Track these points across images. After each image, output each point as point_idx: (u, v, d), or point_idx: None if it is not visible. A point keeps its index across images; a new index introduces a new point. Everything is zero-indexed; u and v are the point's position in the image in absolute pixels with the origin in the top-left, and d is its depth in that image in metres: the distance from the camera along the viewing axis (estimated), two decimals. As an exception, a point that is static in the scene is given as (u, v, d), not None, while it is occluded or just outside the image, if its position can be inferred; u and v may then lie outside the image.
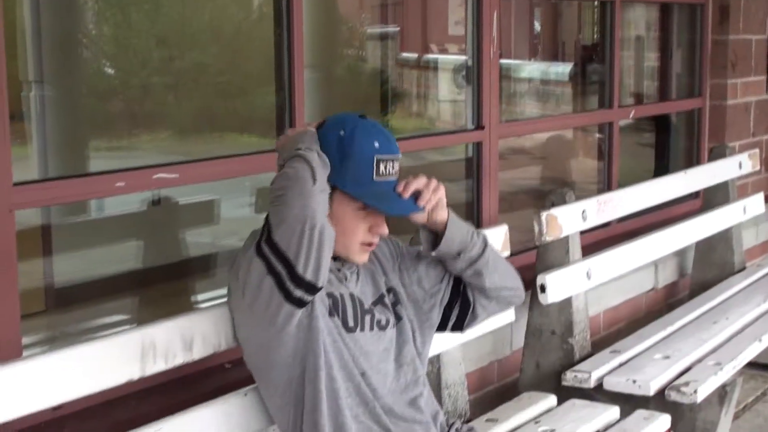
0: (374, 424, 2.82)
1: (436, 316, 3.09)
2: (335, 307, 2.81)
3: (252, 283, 2.69)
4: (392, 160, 2.82)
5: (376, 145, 2.79)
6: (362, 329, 2.85)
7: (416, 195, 2.87)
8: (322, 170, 2.68)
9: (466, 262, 3.01)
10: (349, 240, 2.83)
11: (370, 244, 2.88)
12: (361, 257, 2.89)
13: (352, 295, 2.88)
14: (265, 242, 2.65)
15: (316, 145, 2.75)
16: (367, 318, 2.88)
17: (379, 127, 2.89)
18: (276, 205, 2.64)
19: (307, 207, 2.58)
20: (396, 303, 3.01)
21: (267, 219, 2.70)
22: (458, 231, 2.98)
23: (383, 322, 2.93)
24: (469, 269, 3.02)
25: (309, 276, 2.62)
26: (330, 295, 2.82)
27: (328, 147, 2.77)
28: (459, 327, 3.16)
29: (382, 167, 2.79)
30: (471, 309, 3.11)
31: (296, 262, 2.60)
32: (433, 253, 2.99)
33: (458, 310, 3.11)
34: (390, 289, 3.03)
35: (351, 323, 2.84)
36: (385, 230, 2.87)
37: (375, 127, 2.86)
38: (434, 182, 2.90)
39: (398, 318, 2.99)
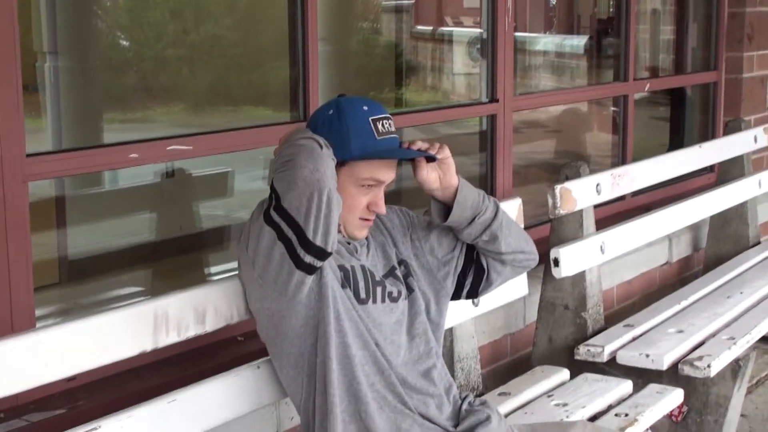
0: (389, 393, 2.83)
1: (450, 285, 3.09)
2: (347, 279, 2.82)
3: (262, 252, 2.70)
4: (386, 119, 2.85)
5: (365, 108, 2.84)
6: (374, 301, 2.86)
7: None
8: (327, 143, 2.72)
9: (480, 227, 3.01)
10: (350, 215, 2.84)
11: (367, 220, 2.90)
12: (360, 232, 2.91)
13: (363, 267, 2.89)
14: (274, 209, 2.66)
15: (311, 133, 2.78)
16: (379, 290, 2.88)
17: (361, 97, 2.95)
18: (284, 170, 2.66)
19: (317, 170, 2.61)
20: (407, 275, 3.01)
21: (273, 188, 2.70)
22: (470, 194, 2.99)
23: (395, 293, 2.93)
24: (483, 234, 3.02)
25: (319, 241, 2.63)
26: (341, 267, 2.83)
27: (323, 129, 2.81)
28: (473, 294, 3.17)
29: (380, 126, 2.82)
30: (485, 275, 3.12)
31: (306, 227, 2.61)
32: (447, 222, 2.99)
33: (472, 278, 3.12)
34: (401, 261, 3.03)
35: (363, 295, 2.84)
36: (383, 209, 2.89)
37: (356, 97, 2.92)
38: (437, 143, 2.94)
39: (410, 290, 2.99)
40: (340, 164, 2.78)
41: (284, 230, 2.63)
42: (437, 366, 2.98)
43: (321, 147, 2.68)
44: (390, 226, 3.08)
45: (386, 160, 2.85)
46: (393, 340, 2.89)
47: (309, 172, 2.60)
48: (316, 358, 2.77)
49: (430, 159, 2.93)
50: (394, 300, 2.92)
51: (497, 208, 3.06)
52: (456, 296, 3.13)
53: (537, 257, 3.25)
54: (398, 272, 2.99)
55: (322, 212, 2.61)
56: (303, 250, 2.63)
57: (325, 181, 2.61)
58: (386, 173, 2.86)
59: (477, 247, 3.08)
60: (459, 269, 3.09)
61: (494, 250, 3.07)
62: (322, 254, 2.66)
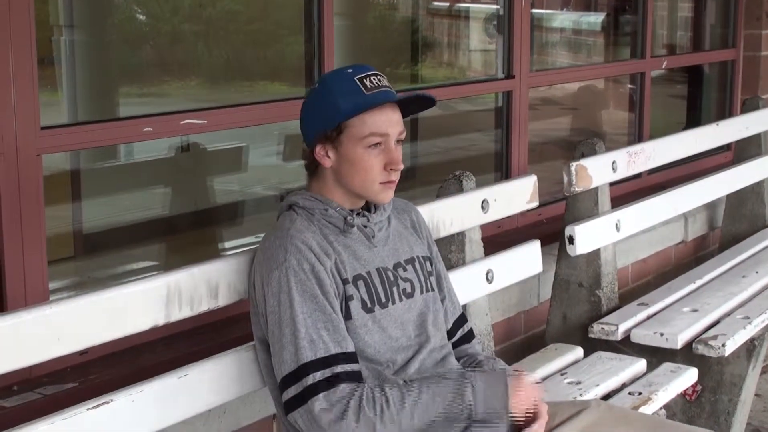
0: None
1: None
2: (366, 287, 2.78)
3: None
4: (374, 75, 2.80)
5: (350, 71, 2.81)
6: (393, 302, 2.82)
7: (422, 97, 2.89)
8: None
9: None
10: (367, 180, 2.78)
11: (389, 182, 2.82)
12: (385, 195, 2.83)
13: (378, 270, 2.83)
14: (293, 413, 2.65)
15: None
16: (395, 290, 2.84)
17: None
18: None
19: None
20: (431, 274, 2.99)
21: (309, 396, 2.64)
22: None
23: (408, 289, 2.88)
24: None
25: None
26: (359, 276, 2.78)
27: (311, 106, 2.82)
28: None
29: (367, 82, 2.77)
30: None
31: None
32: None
33: None
34: (428, 259, 3.00)
35: (383, 299, 2.80)
36: (400, 164, 2.81)
37: (342, 67, 2.90)
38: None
39: (431, 288, 2.96)
40: (338, 132, 2.75)
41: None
42: (451, 355, 2.97)
43: None
44: (423, 226, 3.07)
45: (384, 113, 2.78)
46: (419, 333, 2.86)
47: None
48: None
49: (430, 103, 2.90)
50: (410, 296, 2.88)
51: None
52: None
53: None
54: (417, 265, 2.94)
55: None
56: None
57: None
58: (386, 125, 2.78)
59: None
60: None
61: None
62: None
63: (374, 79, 2.78)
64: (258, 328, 2.81)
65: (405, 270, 2.90)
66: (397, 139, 2.81)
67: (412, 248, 2.96)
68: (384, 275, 2.84)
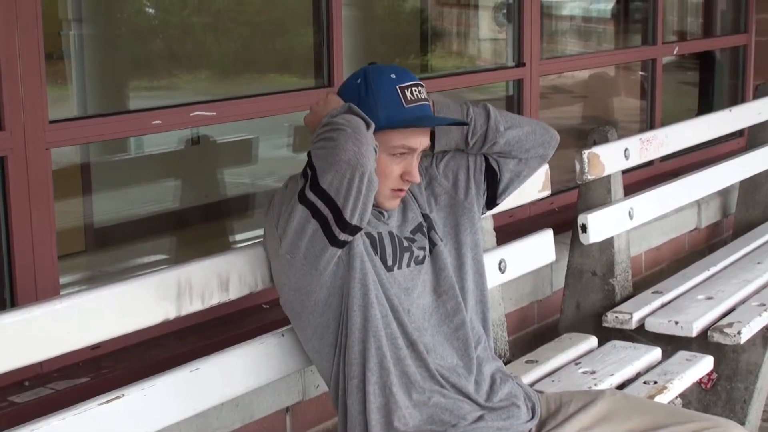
0: (416, 366, 2.78)
1: (476, 198, 3.08)
2: (374, 246, 2.78)
3: (293, 229, 2.66)
4: (415, 86, 2.82)
5: (393, 76, 2.80)
6: (399, 267, 2.82)
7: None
8: (370, 121, 2.66)
9: (478, 141, 3.02)
10: (382, 185, 2.77)
11: (400, 190, 2.86)
12: (391, 203, 2.88)
13: (390, 234, 2.85)
14: (310, 189, 2.62)
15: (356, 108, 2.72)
16: (406, 256, 2.85)
17: (390, 64, 2.90)
18: (324, 148, 2.59)
19: (359, 154, 2.55)
20: (430, 228, 2.97)
21: (309, 166, 2.65)
22: (452, 116, 2.97)
23: (420, 257, 2.89)
24: (484, 146, 3.03)
25: (356, 220, 2.62)
26: (368, 234, 2.79)
27: (351, 99, 2.77)
28: (492, 201, 3.17)
29: (408, 94, 2.78)
30: (498, 177, 3.11)
31: (344, 207, 2.59)
32: (435, 150, 3.01)
33: (486, 184, 3.11)
34: (425, 216, 2.99)
35: (390, 262, 2.81)
36: (417, 177, 2.85)
37: (386, 66, 2.87)
38: None
39: (432, 244, 2.94)
40: None
41: (319, 209, 2.61)
42: (466, 321, 2.92)
43: (367, 127, 2.62)
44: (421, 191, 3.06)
45: (419, 128, 2.82)
46: (419, 303, 2.85)
47: (353, 154, 2.54)
48: (339, 328, 2.74)
49: (461, 123, 2.91)
50: (420, 263, 2.88)
51: (488, 115, 3.02)
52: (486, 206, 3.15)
53: (555, 139, 3.22)
54: (424, 228, 2.95)
55: (362, 194, 2.58)
56: (339, 229, 2.62)
57: (368, 163, 2.56)
58: (418, 140, 2.81)
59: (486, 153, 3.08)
60: (474, 176, 3.08)
61: (500, 151, 3.06)
62: (357, 231, 2.66)
63: (415, 91, 2.81)
64: (288, 300, 2.82)
65: (414, 241, 2.91)
66: (419, 152, 2.85)
67: (416, 216, 2.97)
68: (396, 239, 2.86)
